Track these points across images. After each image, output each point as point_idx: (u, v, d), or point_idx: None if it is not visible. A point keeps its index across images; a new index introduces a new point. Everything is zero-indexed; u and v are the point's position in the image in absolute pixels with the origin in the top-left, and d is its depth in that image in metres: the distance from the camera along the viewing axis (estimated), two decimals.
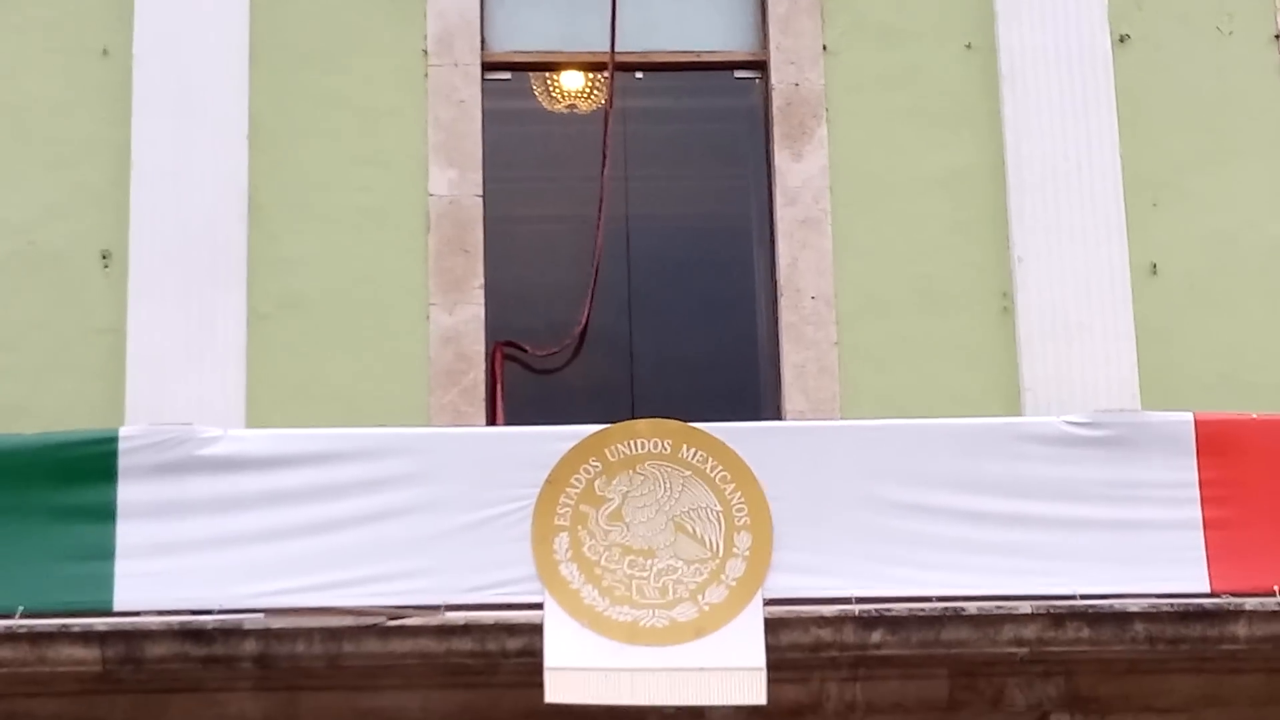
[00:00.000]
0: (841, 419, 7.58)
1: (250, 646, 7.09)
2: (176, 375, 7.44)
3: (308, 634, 7.12)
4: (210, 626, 7.08)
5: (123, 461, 7.20)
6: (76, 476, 7.16)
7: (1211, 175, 7.95)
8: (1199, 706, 7.45)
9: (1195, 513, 7.44)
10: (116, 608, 7.09)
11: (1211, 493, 7.46)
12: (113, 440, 7.20)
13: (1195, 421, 7.51)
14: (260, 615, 7.11)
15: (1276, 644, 7.32)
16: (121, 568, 7.13)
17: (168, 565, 7.14)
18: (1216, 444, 7.51)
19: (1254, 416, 7.55)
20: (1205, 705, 7.45)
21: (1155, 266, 7.88)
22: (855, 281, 7.64)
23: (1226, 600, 7.35)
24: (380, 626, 7.15)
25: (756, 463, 7.30)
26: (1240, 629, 7.34)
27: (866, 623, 7.25)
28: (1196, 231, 7.91)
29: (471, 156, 7.69)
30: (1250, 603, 7.33)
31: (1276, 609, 7.33)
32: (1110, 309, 7.66)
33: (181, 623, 7.09)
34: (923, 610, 7.27)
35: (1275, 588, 7.35)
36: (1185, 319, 7.80)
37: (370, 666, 7.15)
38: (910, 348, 7.61)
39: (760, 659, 7.14)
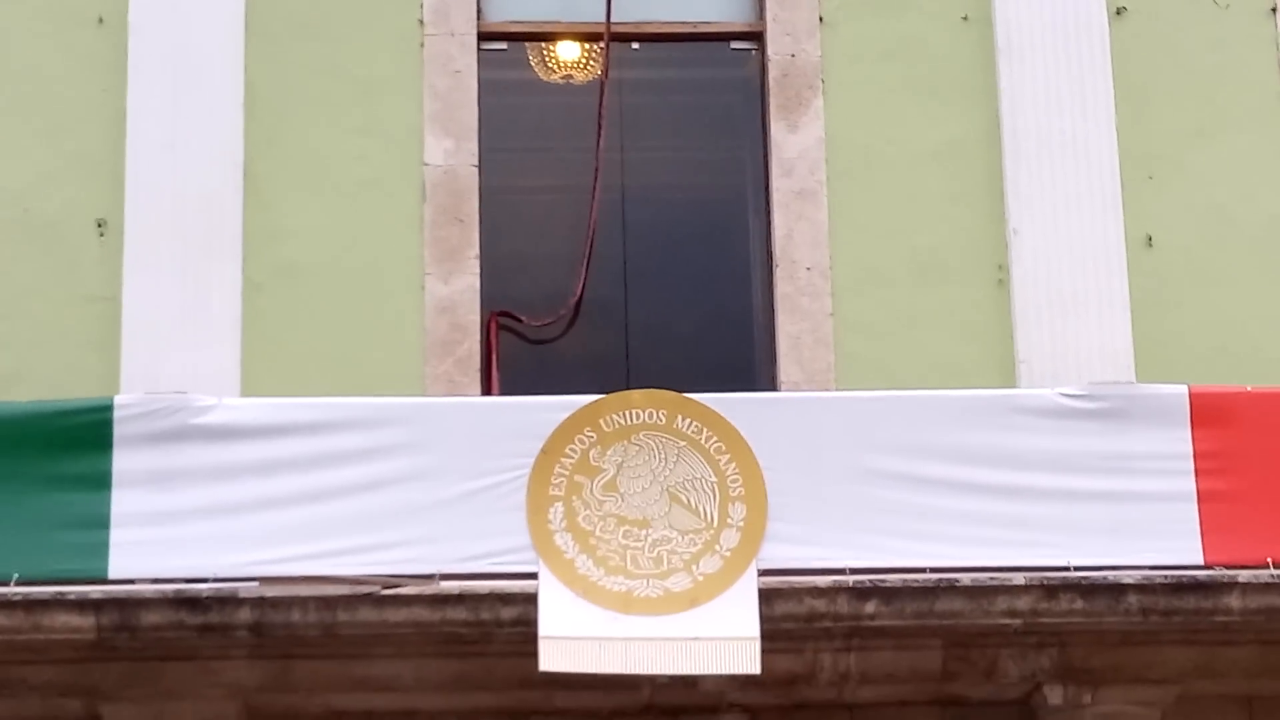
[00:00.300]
0: (836, 390, 7.59)
1: (245, 615, 7.09)
2: (172, 344, 7.43)
3: (302, 602, 7.12)
4: (205, 595, 7.08)
5: (118, 430, 7.19)
6: (72, 445, 7.16)
7: (1208, 148, 7.94)
8: (1192, 678, 7.46)
9: (1189, 485, 7.45)
10: (111, 575, 7.09)
11: (1206, 465, 7.47)
12: (108, 409, 7.20)
13: (1190, 394, 7.52)
14: (255, 584, 7.11)
15: (1270, 616, 7.33)
16: (116, 536, 7.13)
17: (163, 534, 7.14)
18: (1211, 416, 7.52)
19: (1249, 389, 7.56)
20: (1198, 677, 7.47)
21: (1151, 239, 7.87)
22: (851, 253, 7.64)
23: (1220, 572, 7.35)
24: (375, 595, 7.15)
25: (751, 434, 7.30)
26: (1234, 601, 7.34)
27: (860, 593, 7.26)
28: (1192, 204, 7.90)
29: (467, 126, 7.68)
30: (1244, 575, 7.34)
31: (1270, 581, 7.34)
32: (1106, 281, 7.65)
33: (176, 591, 7.09)
34: (916, 581, 7.28)
35: (1269, 560, 7.36)
36: (1181, 291, 7.80)
37: (365, 635, 7.15)
38: (905, 319, 7.61)
39: (755, 629, 7.15)
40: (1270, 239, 7.81)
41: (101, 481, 7.17)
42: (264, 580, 7.12)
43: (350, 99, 7.72)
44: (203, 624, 7.09)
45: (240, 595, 7.10)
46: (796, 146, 7.67)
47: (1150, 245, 7.89)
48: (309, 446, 7.24)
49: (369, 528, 7.19)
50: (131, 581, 7.08)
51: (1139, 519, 7.42)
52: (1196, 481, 7.46)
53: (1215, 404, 7.54)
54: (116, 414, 7.20)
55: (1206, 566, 7.40)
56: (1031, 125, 7.78)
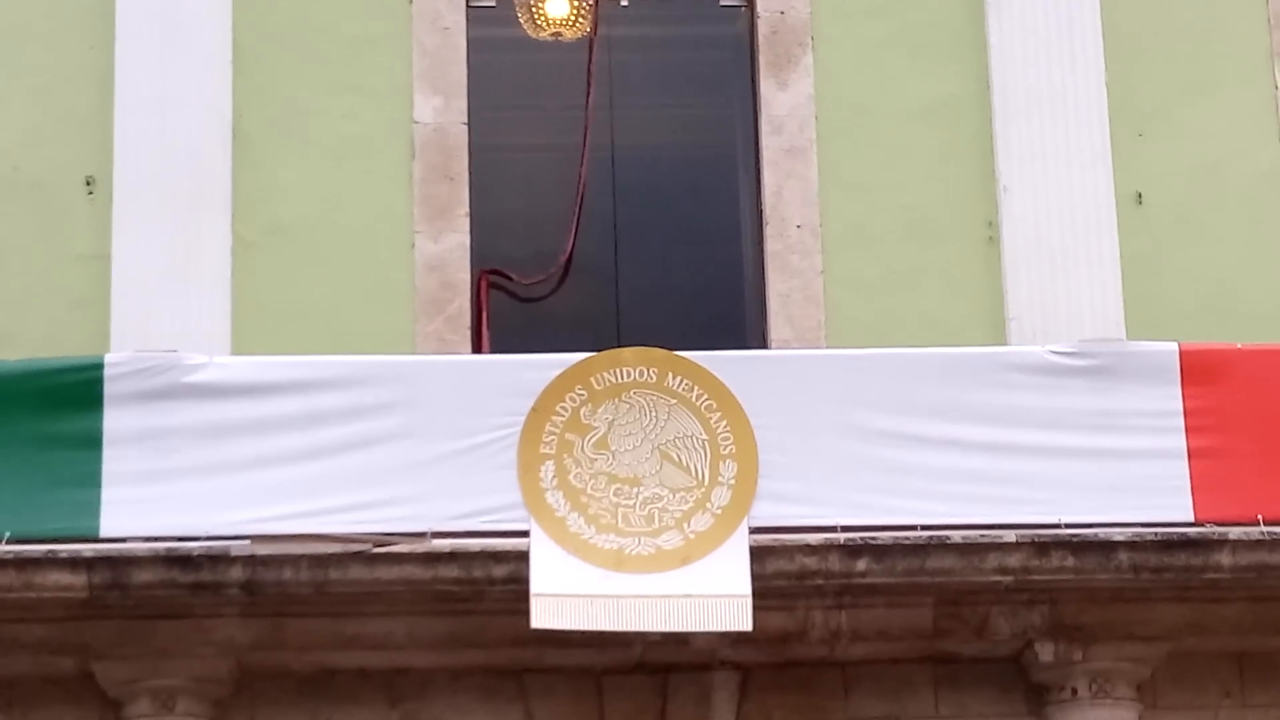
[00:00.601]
0: (826, 348, 7.59)
1: (237, 573, 7.09)
2: (161, 302, 7.41)
3: (294, 560, 7.12)
4: (197, 553, 7.08)
5: (108, 389, 7.19)
6: (62, 403, 7.16)
7: (1198, 104, 7.93)
8: (1182, 635, 7.48)
9: (1180, 442, 7.47)
10: (103, 534, 7.10)
11: (1196, 422, 7.48)
12: (99, 367, 7.19)
13: (1180, 351, 7.53)
14: (247, 542, 7.12)
15: (1260, 573, 7.36)
16: (108, 494, 7.14)
17: (154, 492, 7.14)
18: (1201, 373, 7.53)
19: (1239, 346, 7.57)
20: (1189, 634, 7.49)
21: (1141, 196, 7.86)
22: (840, 210, 7.63)
23: (1211, 529, 7.37)
24: (366, 553, 7.15)
25: (742, 391, 7.31)
26: (1224, 558, 7.36)
27: (851, 551, 7.27)
28: (1182, 161, 7.88)
29: (456, 84, 7.64)
30: (1234, 532, 7.36)
31: (1260, 538, 7.36)
32: (1095, 238, 7.65)
33: (168, 549, 7.09)
34: (907, 539, 7.29)
35: (1259, 517, 7.38)
36: (1171, 248, 7.79)
37: (356, 593, 7.16)
38: (895, 277, 7.61)
39: (746, 586, 7.16)
40: (1260, 195, 7.79)
41: (93, 440, 7.17)
42: (256, 539, 7.12)
43: (339, 56, 7.68)
44: (194, 582, 7.09)
45: (232, 553, 7.10)
46: (786, 104, 7.65)
47: (1140, 202, 7.88)
48: (300, 405, 7.24)
49: (360, 486, 7.20)
50: (123, 540, 7.09)
51: (1129, 476, 7.44)
52: (1187, 439, 7.47)
53: (1206, 361, 7.55)
54: (107, 372, 7.19)
55: (1197, 524, 7.42)
56: (1021, 82, 7.76)
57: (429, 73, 7.61)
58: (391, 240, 7.51)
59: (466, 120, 7.58)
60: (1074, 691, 7.44)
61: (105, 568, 7.06)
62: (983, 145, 7.72)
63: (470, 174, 7.54)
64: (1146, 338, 7.53)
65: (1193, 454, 7.47)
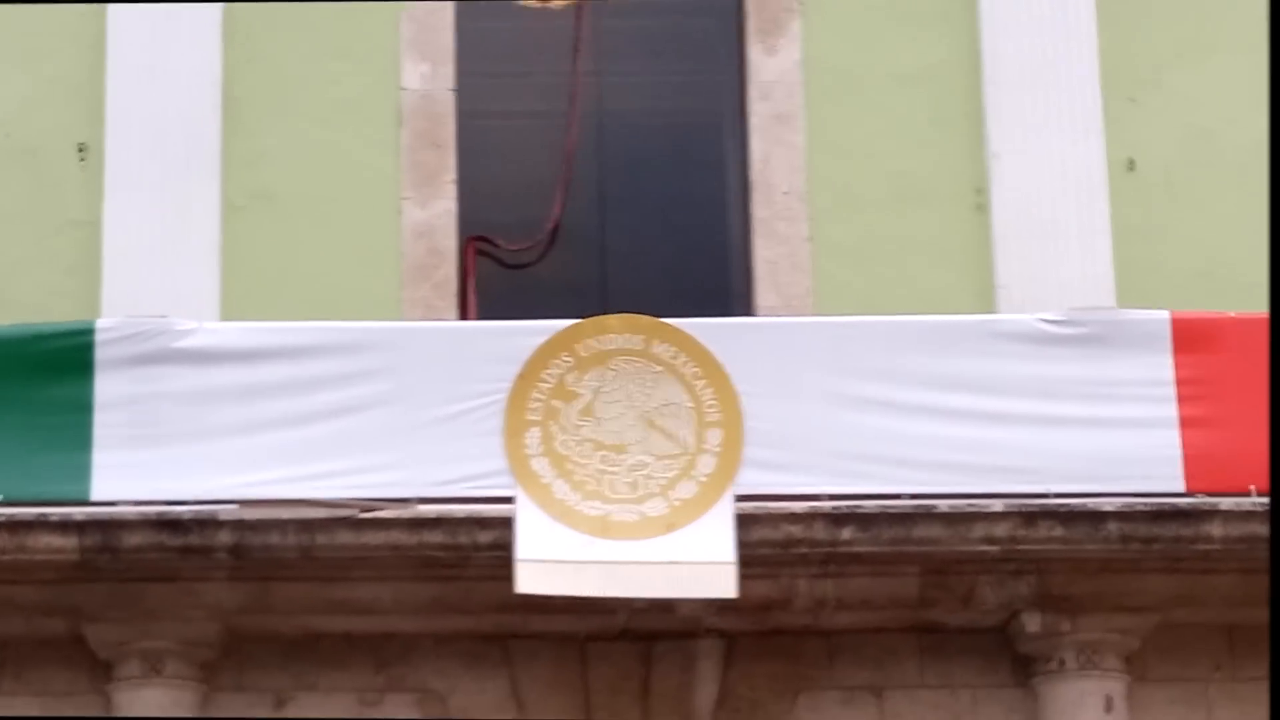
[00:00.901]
0: (814, 316, 7.56)
1: (225, 537, 7.17)
2: (152, 267, 7.49)
3: (281, 525, 7.19)
4: (186, 517, 7.17)
5: (99, 354, 7.26)
6: (54, 368, 7.24)
7: (1190, 70, 7.82)
8: (1172, 606, 7.43)
9: (1171, 411, 7.40)
10: (94, 498, 7.19)
11: (1187, 391, 7.41)
12: (90, 332, 7.26)
13: (1171, 320, 7.46)
14: (235, 506, 7.19)
15: (1251, 544, 7.28)
16: (99, 459, 7.21)
17: (144, 457, 7.22)
18: (1193, 342, 7.46)
19: (1231, 315, 7.48)
20: (1178, 605, 7.44)
21: (1133, 163, 7.76)
22: (828, 177, 7.59)
23: (1202, 500, 7.32)
24: (353, 519, 7.22)
25: (728, 359, 7.30)
26: (1215, 529, 7.31)
27: (837, 519, 7.26)
28: (1175, 127, 7.78)
29: (444, 50, 7.64)
30: (1225, 503, 7.30)
31: (1252, 509, 7.29)
32: (1087, 206, 7.58)
33: (158, 513, 7.17)
34: (894, 508, 7.28)
35: (1251, 487, 7.31)
36: (1163, 216, 7.70)
37: (343, 558, 7.22)
38: (884, 244, 7.56)
39: (731, 553, 7.16)
40: (1254, 162, 7.66)
41: (84, 405, 7.24)
42: (243, 503, 7.20)
43: (327, 23, 7.69)
44: (183, 546, 7.18)
45: (220, 518, 7.18)
46: (774, 70, 7.61)
47: (1132, 169, 7.79)
48: (288, 371, 7.29)
49: (347, 452, 7.25)
50: (114, 504, 7.18)
51: (1120, 446, 7.38)
52: (1178, 408, 7.41)
53: (1197, 330, 7.47)
54: (98, 337, 7.26)
55: (1188, 494, 7.36)
56: (1012, 48, 7.68)
57: (417, 39, 7.63)
58: (379, 206, 7.55)
59: (454, 87, 7.60)
60: (1061, 662, 7.40)
61: (96, 531, 7.15)
62: (973, 112, 7.65)
63: (457, 140, 7.56)
64: (1138, 306, 7.45)
65: (1184, 423, 7.40)
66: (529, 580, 7.17)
